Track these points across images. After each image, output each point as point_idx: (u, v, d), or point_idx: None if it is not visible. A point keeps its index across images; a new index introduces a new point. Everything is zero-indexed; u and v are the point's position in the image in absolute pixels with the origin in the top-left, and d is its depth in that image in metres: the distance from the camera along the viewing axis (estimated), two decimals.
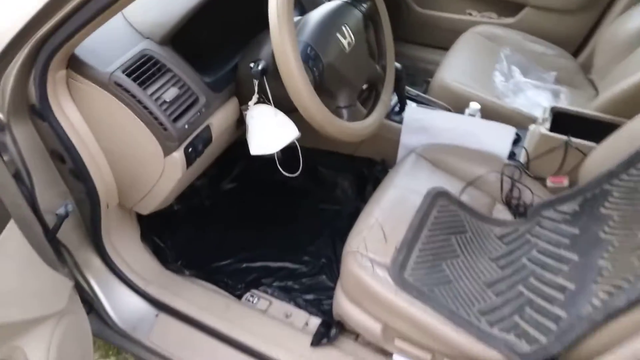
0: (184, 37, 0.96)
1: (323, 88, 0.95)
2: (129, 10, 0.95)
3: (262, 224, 1.54)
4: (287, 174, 1.23)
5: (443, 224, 1.13)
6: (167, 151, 0.93)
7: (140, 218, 1.29)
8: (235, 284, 1.32)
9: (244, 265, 1.39)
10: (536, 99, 1.57)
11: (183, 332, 1.15)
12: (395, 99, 1.47)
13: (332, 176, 1.59)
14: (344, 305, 1.08)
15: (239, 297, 1.27)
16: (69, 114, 0.90)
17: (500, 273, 1.05)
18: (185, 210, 1.53)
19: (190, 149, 0.95)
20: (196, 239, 1.47)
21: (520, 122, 1.44)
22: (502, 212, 1.22)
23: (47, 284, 0.86)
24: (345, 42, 0.96)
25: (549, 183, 1.24)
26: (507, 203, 1.23)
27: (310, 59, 0.89)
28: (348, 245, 1.08)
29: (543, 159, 1.25)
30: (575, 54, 1.86)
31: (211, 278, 1.31)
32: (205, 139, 1.00)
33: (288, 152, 1.13)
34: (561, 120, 1.27)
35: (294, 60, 0.81)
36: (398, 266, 1.02)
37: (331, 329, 1.12)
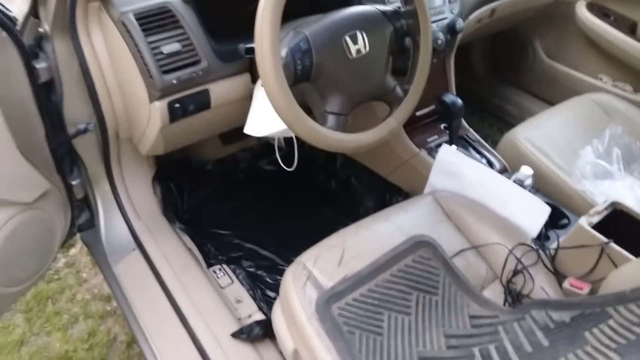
0: (211, 2, 1.00)
1: (313, 85, 0.90)
2: None
3: (276, 211, 1.54)
4: (284, 167, 1.21)
5: (412, 275, 1.00)
6: (151, 98, 0.98)
7: (162, 160, 1.37)
8: (217, 254, 1.34)
9: (237, 241, 1.41)
10: (624, 192, 1.29)
11: (142, 273, 1.21)
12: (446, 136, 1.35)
13: (362, 193, 1.51)
14: (276, 313, 1.03)
15: (210, 265, 1.29)
16: (94, 42, 1.00)
17: (442, 353, 0.90)
18: (217, 173, 1.59)
19: (177, 105, 0.99)
20: (211, 201, 1.53)
21: (580, 207, 1.21)
22: (494, 293, 1.04)
23: (18, 174, 0.97)
24: (353, 48, 0.90)
25: (566, 284, 1.01)
26: (507, 286, 1.04)
27: (300, 51, 0.85)
28: (302, 254, 1.03)
29: (573, 254, 1.03)
30: None
31: (198, 238, 1.35)
32: (200, 102, 1.02)
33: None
34: (623, 222, 1.04)
35: (268, 43, 0.78)
36: (331, 294, 0.93)
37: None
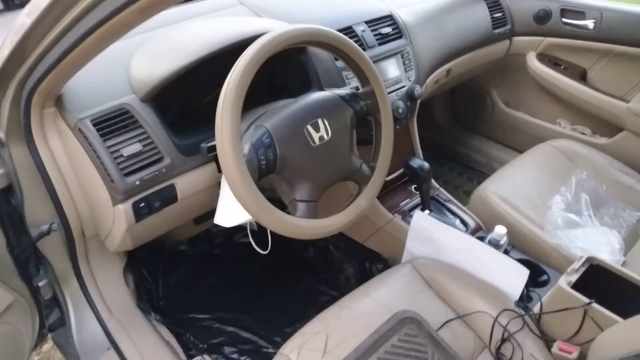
0: (171, 98, 0.99)
1: (279, 175, 0.90)
2: (133, 63, 1.01)
3: (256, 287, 1.50)
4: (258, 249, 1.19)
5: (399, 355, 0.98)
6: (114, 201, 0.95)
7: (132, 250, 1.33)
8: (197, 342, 1.28)
9: (217, 325, 1.36)
10: (597, 240, 1.31)
11: None
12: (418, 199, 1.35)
13: (341, 260, 1.49)
14: None
15: (191, 356, 1.23)
16: (52, 147, 0.98)
17: None
18: (191, 253, 1.55)
19: (142, 204, 0.96)
20: (188, 282, 1.48)
21: (557, 261, 1.22)
22: None
23: None
24: (315, 136, 0.90)
25: (555, 349, 1.00)
26: (496, 356, 1.02)
27: (263, 145, 0.85)
28: (284, 346, 0.99)
29: (558, 316, 1.03)
30: None
31: (177, 328, 1.30)
32: (166, 197, 1.00)
33: None
34: (600, 276, 1.04)
35: (229, 143, 0.78)
36: None
37: None
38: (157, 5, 0.63)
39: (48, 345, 1.65)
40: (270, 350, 1.30)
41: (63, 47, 0.74)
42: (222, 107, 0.78)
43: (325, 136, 0.92)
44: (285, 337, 1.32)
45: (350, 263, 1.46)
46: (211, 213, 1.18)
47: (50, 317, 1.28)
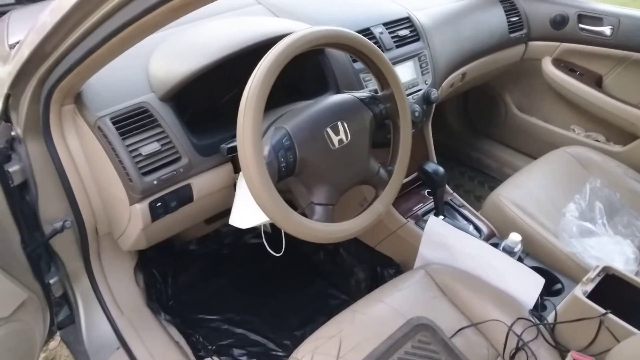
0: (188, 97, 0.99)
1: (297, 178, 0.89)
2: (152, 61, 1.01)
3: (266, 289, 1.49)
4: (271, 252, 1.19)
5: None
6: (131, 201, 0.95)
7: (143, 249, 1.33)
8: (206, 344, 1.28)
9: (226, 326, 1.36)
10: (611, 249, 1.30)
11: None
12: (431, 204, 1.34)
13: (351, 263, 1.48)
14: None
15: (200, 358, 1.23)
16: (69, 144, 0.98)
17: None
18: (201, 253, 1.55)
19: (158, 204, 0.96)
20: (197, 284, 1.48)
21: (571, 270, 1.21)
22: None
23: None
24: (335, 139, 0.90)
25: (569, 359, 0.99)
26: None
27: (283, 148, 0.84)
28: (297, 350, 0.98)
29: (572, 326, 1.02)
30: None
31: (186, 328, 1.29)
32: (182, 197, 0.99)
33: None
34: (616, 285, 1.03)
35: (251, 147, 0.77)
36: None
37: None
38: (191, 4, 0.62)
39: (54, 342, 1.64)
40: (280, 354, 1.29)
41: (87, 46, 0.73)
42: (245, 108, 0.77)
43: (345, 139, 0.91)
44: (295, 340, 1.33)
45: (361, 267, 1.45)
46: (222, 213, 1.17)
47: (60, 315, 1.27)
